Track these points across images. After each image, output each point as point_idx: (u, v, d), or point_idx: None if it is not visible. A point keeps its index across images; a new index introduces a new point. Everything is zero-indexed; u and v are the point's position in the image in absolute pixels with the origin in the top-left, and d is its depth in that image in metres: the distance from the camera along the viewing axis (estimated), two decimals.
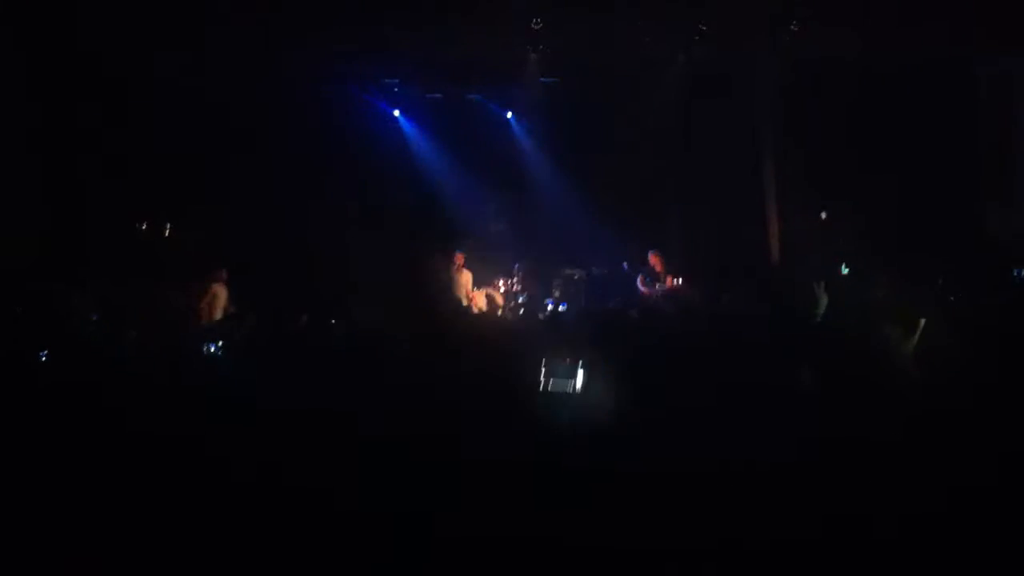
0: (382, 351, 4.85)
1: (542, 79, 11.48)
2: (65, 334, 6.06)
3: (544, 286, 11.54)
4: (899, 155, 10.75)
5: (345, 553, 3.07)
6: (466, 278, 10.90)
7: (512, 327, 8.96)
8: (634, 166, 11.28)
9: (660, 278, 10.83)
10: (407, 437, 3.55)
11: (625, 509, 3.11)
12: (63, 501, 3.26)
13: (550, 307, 10.95)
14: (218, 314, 8.80)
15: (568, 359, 4.75)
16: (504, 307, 10.77)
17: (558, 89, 11.68)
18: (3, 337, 6.07)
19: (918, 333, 4.87)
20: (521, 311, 10.83)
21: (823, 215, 11.50)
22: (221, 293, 9.04)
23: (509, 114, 12.43)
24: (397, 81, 11.82)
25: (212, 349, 5.96)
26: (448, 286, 10.58)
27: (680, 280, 10.73)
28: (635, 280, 10.95)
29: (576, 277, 11.63)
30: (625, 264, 11.21)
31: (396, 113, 12.24)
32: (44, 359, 5.13)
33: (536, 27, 10.09)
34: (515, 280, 11.31)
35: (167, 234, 11.22)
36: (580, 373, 4.69)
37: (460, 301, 10.53)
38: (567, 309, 10.67)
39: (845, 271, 10.25)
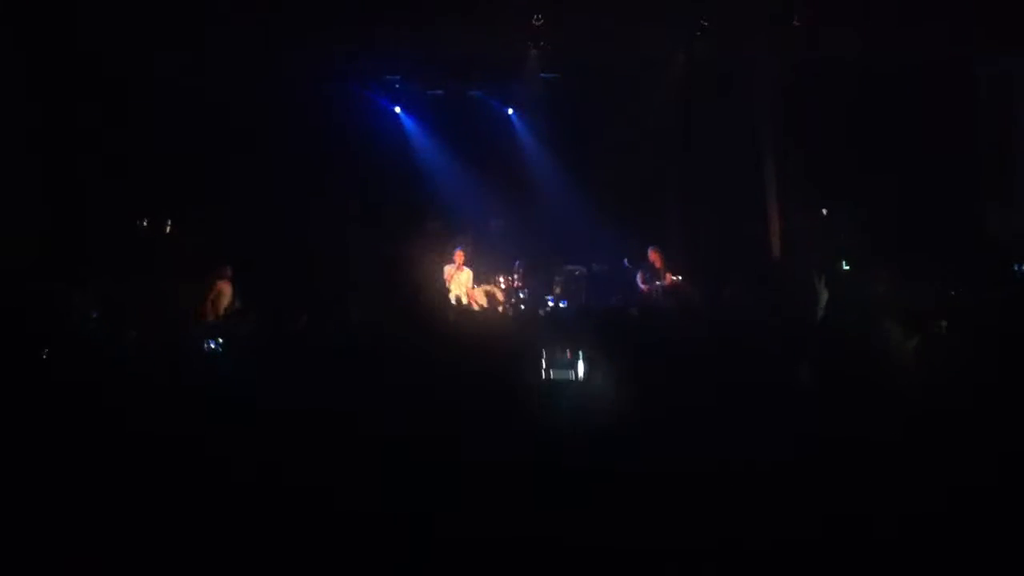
0: (382, 351, 4.85)
1: (543, 75, 11.48)
2: (66, 333, 6.06)
3: (545, 283, 11.53)
4: (899, 155, 10.76)
5: (345, 553, 3.07)
6: (466, 275, 10.90)
7: (512, 325, 8.96)
8: (635, 162, 11.31)
9: (660, 275, 10.83)
10: (407, 437, 3.55)
11: (625, 509, 3.11)
12: (63, 501, 3.26)
13: (551, 304, 10.95)
14: (223, 311, 8.81)
15: (569, 352, 4.77)
16: (505, 304, 10.77)
17: (559, 85, 11.69)
18: (3, 336, 6.07)
19: (922, 332, 4.86)
20: (522, 308, 10.83)
21: (824, 212, 11.51)
22: (226, 290, 9.03)
23: (510, 110, 12.43)
24: (398, 78, 11.81)
25: (213, 346, 5.98)
26: (444, 285, 10.57)
27: (679, 277, 10.74)
28: (635, 276, 10.96)
29: (577, 274, 11.61)
30: (626, 260, 11.21)
31: (397, 110, 12.24)
32: (45, 358, 5.13)
33: (537, 23, 10.10)
34: (516, 277, 11.30)
35: (168, 232, 11.21)
36: (581, 363, 4.71)
37: (460, 299, 10.53)
38: (568, 306, 10.68)
39: (845, 267, 10.26)
